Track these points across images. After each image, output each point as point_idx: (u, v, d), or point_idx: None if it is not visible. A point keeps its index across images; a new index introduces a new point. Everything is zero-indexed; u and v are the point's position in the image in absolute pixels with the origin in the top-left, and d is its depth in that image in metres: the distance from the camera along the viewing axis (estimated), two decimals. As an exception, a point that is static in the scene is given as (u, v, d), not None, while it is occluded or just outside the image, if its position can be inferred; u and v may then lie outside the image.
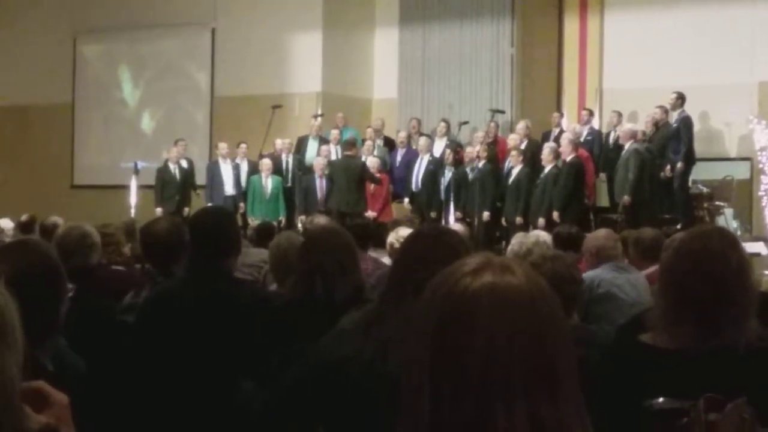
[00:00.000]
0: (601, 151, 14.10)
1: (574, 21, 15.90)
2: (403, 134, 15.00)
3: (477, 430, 1.41)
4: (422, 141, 14.45)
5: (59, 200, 16.62)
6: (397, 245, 6.23)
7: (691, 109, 13.35)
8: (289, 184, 14.67)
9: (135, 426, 3.73)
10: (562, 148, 12.86)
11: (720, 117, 14.56)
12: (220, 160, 15.05)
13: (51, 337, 2.86)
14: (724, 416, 2.28)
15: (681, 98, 13.26)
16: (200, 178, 15.37)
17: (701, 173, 13.79)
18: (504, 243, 11.88)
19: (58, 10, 18.43)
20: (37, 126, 18.73)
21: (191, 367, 3.77)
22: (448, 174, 13.83)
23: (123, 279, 5.03)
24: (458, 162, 13.96)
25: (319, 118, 15.29)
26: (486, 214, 13.22)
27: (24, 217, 10.79)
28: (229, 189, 14.83)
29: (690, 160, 13.11)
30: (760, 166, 13.58)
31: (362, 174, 13.57)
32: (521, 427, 1.40)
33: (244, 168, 15.01)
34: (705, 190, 13.63)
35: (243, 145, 15.06)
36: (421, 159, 14.30)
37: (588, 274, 5.81)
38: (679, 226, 11.40)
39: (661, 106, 13.39)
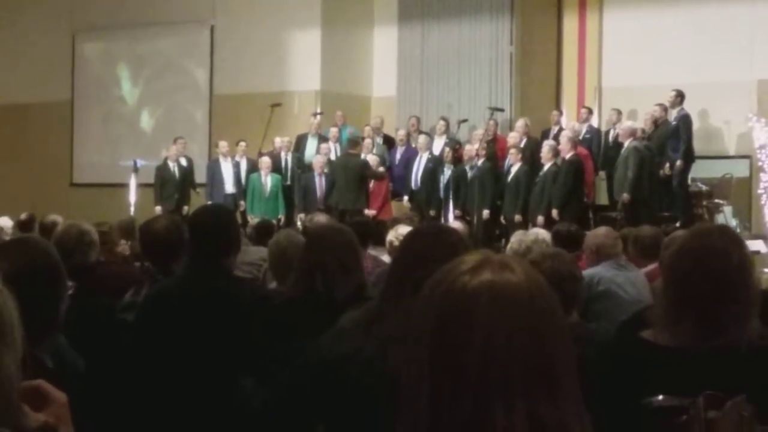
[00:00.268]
0: (600, 149, 14.11)
1: (573, 19, 15.89)
2: (402, 132, 15.00)
3: (476, 428, 1.40)
4: (421, 139, 14.45)
5: (58, 198, 16.62)
6: (396, 243, 6.23)
7: (690, 107, 13.36)
8: (289, 183, 14.67)
9: (134, 424, 3.73)
10: (561, 146, 12.87)
11: (719, 115, 14.56)
12: (221, 159, 15.05)
13: (51, 335, 2.86)
14: (724, 414, 2.28)
15: (680, 96, 13.27)
16: (199, 177, 15.37)
17: (700, 171, 13.79)
18: (503, 241, 11.89)
19: (58, 8, 18.42)
20: (36, 124, 18.72)
21: (191, 365, 3.77)
22: (447, 172, 13.83)
23: (122, 277, 5.03)
24: (457, 160, 13.97)
25: (319, 116, 15.30)
26: (486, 212, 13.22)
27: (23, 216, 10.77)
28: (230, 187, 14.84)
29: (689, 158, 13.12)
30: (759, 164, 13.58)
31: (363, 172, 13.56)
32: (520, 426, 1.40)
33: (244, 166, 15.01)
34: (704, 188, 13.62)
35: (242, 143, 15.06)
36: (421, 157, 14.30)
37: (587, 272, 5.81)
38: (678, 224, 11.42)
39: (660, 104, 13.40)
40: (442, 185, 13.86)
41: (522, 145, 13.68)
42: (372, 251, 6.91)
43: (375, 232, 7.56)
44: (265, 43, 16.56)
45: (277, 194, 14.52)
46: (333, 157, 14.53)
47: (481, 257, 1.51)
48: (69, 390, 1.75)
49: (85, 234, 5.02)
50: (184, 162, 15.29)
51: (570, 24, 15.93)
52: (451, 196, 13.66)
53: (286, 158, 14.88)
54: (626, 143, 12.78)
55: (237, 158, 15.07)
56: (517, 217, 12.90)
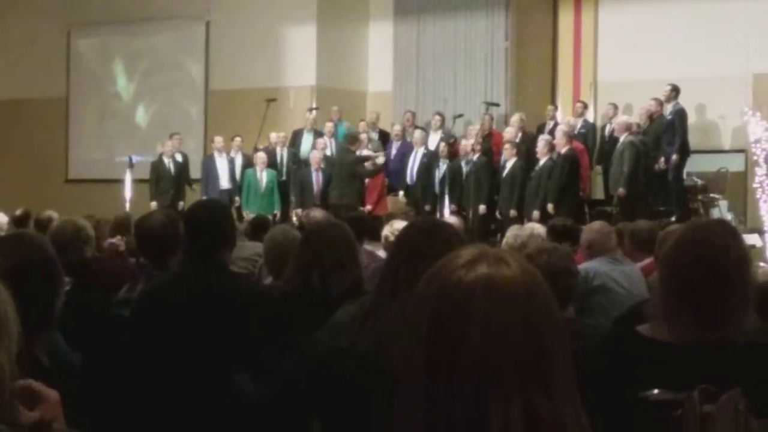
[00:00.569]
0: (595, 143, 14.13)
1: (569, 14, 15.89)
2: (397, 127, 15.00)
3: (472, 422, 1.40)
4: (417, 134, 14.45)
5: (54, 194, 16.60)
6: (392, 238, 6.24)
7: (685, 101, 13.36)
8: (284, 178, 14.67)
9: (131, 419, 3.73)
10: (556, 140, 12.87)
11: (714, 109, 14.58)
12: (216, 154, 15.04)
13: (46, 331, 2.85)
14: (719, 407, 2.29)
15: (675, 90, 13.27)
16: (195, 172, 15.36)
17: (696, 165, 13.80)
18: (499, 236, 11.89)
19: (53, 3, 18.39)
20: (31, 120, 18.69)
21: (187, 360, 3.77)
22: (442, 167, 13.83)
23: (118, 273, 5.03)
24: (453, 155, 13.98)
25: (314, 112, 15.30)
26: (482, 207, 13.23)
27: (18, 212, 10.75)
28: (225, 183, 14.83)
29: (684, 152, 13.13)
30: (755, 158, 13.58)
31: (353, 168, 13.62)
32: (516, 420, 1.40)
33: (239, 162, 15.00)
34: (699, 182, 13.63)
35: (237, 139, 15.06)
36: (416, 152, 14.30)
37: (583, 267, 5.81)
38: (673, 219, 11.43)
39: (655, 99, 13.41)
40: (437, 180, 13.86)
41: (517, 140, 13.68)
42: (368, 246, 6.90)
43: (371, 227, 7.56)
44: (260, 38, 16.54)
45: (273, 190, 14.51)
46: (329, 152, 14.53)
47: (476, 251, 1.51)
48: (64, 386, 1.75)
49: (81, 230, 5.02)
50: (179, 158, 15.27)
51: (565, 19, 15.94)
52: (446, 191, 13.66)
53: (282, 153, 14.88)
54: (622, 138, 12.79)
55: (232, 154, 15.06)
56: (513, 212, 12.90)
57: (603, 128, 14.23)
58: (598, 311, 5.61)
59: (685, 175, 13.42)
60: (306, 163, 14.54)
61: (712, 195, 13.50)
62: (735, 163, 14.28)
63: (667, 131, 13.10)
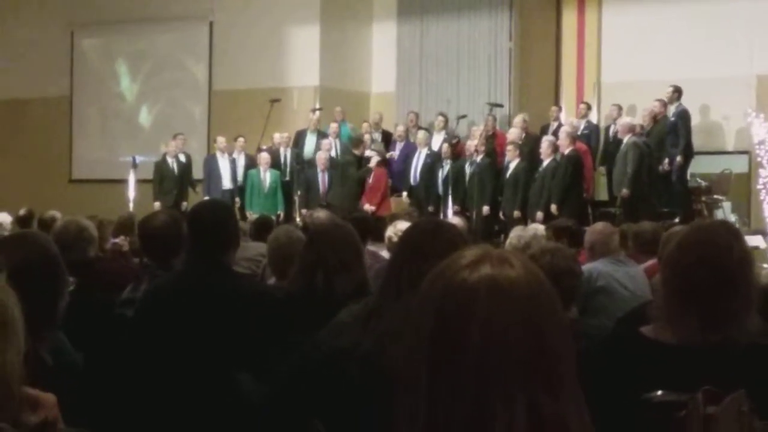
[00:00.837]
0: (598, 144, 14.13)
1: (572, 15, 15.88)
2: (400, 128, 15.01)
3: (475, 422, 1.40)
4: (420, 135, 14.46)
5: (57, 194, 16.61)
6: (395, 239, 6.23)
7: (689, 102, 13.35)
8: (288, 178, 14.67)
9: (134, 419, 3.74)
10: (560, 141, 12.87)
11: (718, 110, 14.56)
12: (218, 154, 15.04)
13: (50, 330, 2.85)
14: (723, 409, 2.28)
15: (678, 92, 13.27)
16: (198, 173, 15.36)
17: (699, 167, 13.79)
18: (502, 237, 11.89)
19: (56, 3, 18.41)
20: (34, 120, 18.70)
21: (190, 360, 3.77)
22: (446, 168, 13.83)
23: (121, 273, 5.03)
24: (456, 156, 13.98)
25: (318, 112, 15.29)
26: (485, 208, 13.23)
27: (22, 212, 10.77)
28: (227, 183, 14.83)
29: (688, 153, 13.13)
30: (759, 159, 13.58)
31: (350, 168, 13.74)
32: (519, 420, 1.40)
33: (241, 162, 15.00)
34: (703, 183, 13.63)
35: (240, 139, 15.06)
36: (419, 153, 14.31)
37: (586, 267, 5.81)
38: (677, 220, 11.41)
39: (659, 100, 13.39)
40: (440, 181, 13.87)
41: (520, 141, 13.68)
42: (371, 247, 6.90)
43: (374, 228, 7.56)
44: (263, 38, 16.55)
45: (276, 190, 14.51)
46: (334, 153, 14.57)
47: (480, 252, 1.51)
48: (67, 386, 1.76)
49: (84, 230, 5.02)
50: (182, 158, 15.28)
51: (569, 19, 15.93)
52: (449, 192, 13.66)
53: (285, 154, 14.88)
54: (625, 139, 12.78)
55: (235, 154, 15.06)
56: (516, 213, 12.90)
57: (607, 129, 14.23)
58: (601, 312, 5.62)
59: (688, 177, 13.41)
60: (310, 163, 14.55)
61: (715, 196, 13.49)
62: (739, 165, 14.28)
63: (671, 132, 13.10)
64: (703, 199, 13.36)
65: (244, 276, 5.25)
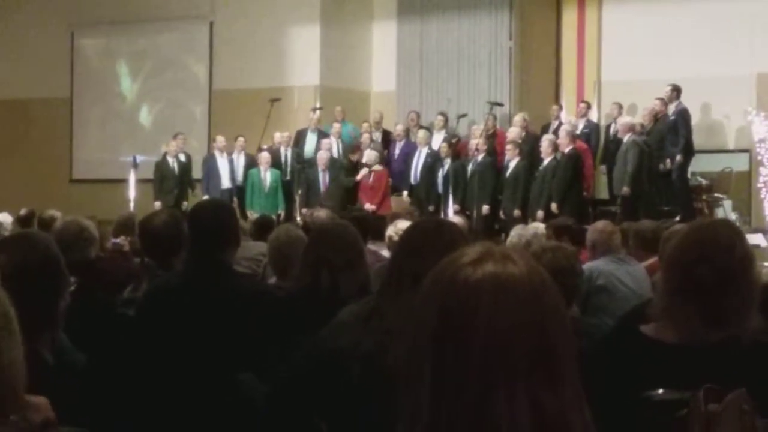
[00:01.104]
0: (599, 143, 14.12)
1: (572, 13, 15.88)
2: (400, 127, 15.01)
3: (478, 418, 1.40)
4: (421, 134, 14.47)
5: (58, 194, 16.62)
6: (396, 238, 6.23)
7: (689, 101, 13.35)
8: (288, 178, 14.67)
9: (135, 419, 3.73)
10: (560, 140, 12.88)
11: (719, 109, 14.56)
12: (217, 154, 15.04)
13: (51, 330, 2.85)
14: (724, 407, 2.28)
15: (676, 90, 13.26)
16: (198, 173, 15.35)
17: (700, 165, 13.80)
18: (503, 236, 11.89)
19: (56, 3, 18.39)
20: (35, 120, 18.70)
21: (191, 360, 3.77)
22: (446, 167, 13.83)
23: (122, 273, 5.03)
24: (456, 155, 13.98)
25: (318, 112, 15.29)
26: (485, 207, 13.24)
27: (23, 212, 10.76)
28: (226, 182, 14.83)
29: (688, 152, 13.12)
30: (759, 158, 13.58)
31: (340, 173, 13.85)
32: (522, 416, 1.40)
33: (241, 162, 15.00)
34: (704, 182, 13.63)
35: (241, 139, 15.05)
36: (420, 152, 14.31)
37: (587, 266, 5.81)
38: (677, 218, 11.41)
39: (660, 98, 13.38)
40: (440, 180, 13.87)
41: (520, 139, 13.68)
42: (372, 246, 6.90)
43: (374, 227, 7.56)
44: (264, 38, 16.55)
45: (277, 189, 14.52)
46: (335, 152, 14.58)
47: (483, 249, 1.51)
48: (69, 385, 1.76)
49: (85, 230, 5.02)
50: (183, 158, 15.27)
51: (569, 18, 15.92)
52: (450, 191, 13.67)
53: (286, 153, 14.88)
54: (625, 138, 12.78)
55: (234, 154, 15.06)
56: (516, 212, 12.90)
57: (607, 128, 14.22)
58: (602, 310, 5.62)
59: (689, 175, 13.41)
60: (310, 163, 14.55)
61: (716, 195, 13.50)
62: (739, 163, 14.28)
63: (671, 131, 13.09)
64: (704, 197, 13.37)
65: (244, 275, 5.25)
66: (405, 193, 14.36)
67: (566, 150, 12.74)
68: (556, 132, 13.49)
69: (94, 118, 18.63)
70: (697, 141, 13.40)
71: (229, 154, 15.04)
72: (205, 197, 13.19)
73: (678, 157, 12.93)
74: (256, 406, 3.43)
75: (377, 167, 14.00)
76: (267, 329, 3.80)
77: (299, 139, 15.21)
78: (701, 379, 2.33)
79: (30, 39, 18.39)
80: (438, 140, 14.49)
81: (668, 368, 2.48)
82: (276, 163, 14.60)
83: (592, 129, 14.28)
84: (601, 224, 6.76)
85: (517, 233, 7.30)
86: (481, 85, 15.66)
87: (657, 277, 4.15)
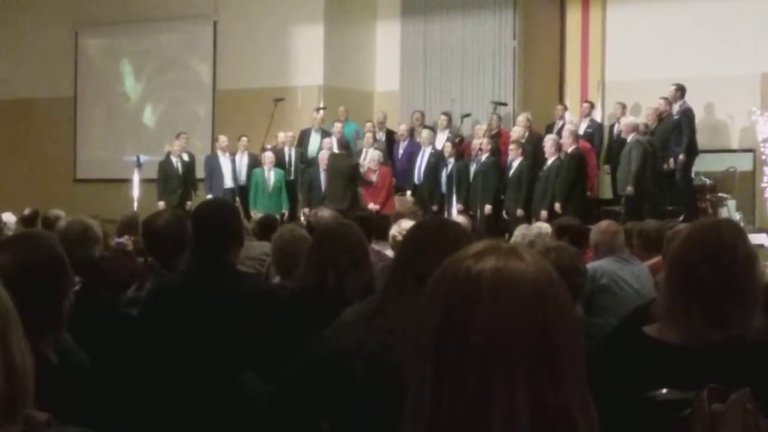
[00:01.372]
0: (602, 143, 14.12)
1: (576, 13, 15.88)
2: (403, 127, 15.00)
3: (478, 413, 1.40)
4: (425, 133, 14.46)
5: (62, 194, 16.63)
6: (399, 238, 6.23)
7: (693, 100, 13.33)
8: (292, 177, 14.68)
9: (139, 418, 3.74)
10: (563, 140, 12.87)
11: (723, 108, 14.54)
12: (219, 153, 15.04)
13: (55, 329, 2.85)
14: (728, 407, 2.28)
15: (680, 90, 13.24)
16: (201, 172, 15.35)
17: (704, 165, 13.78)
18: (507, 235, 11.88)
19: (60, 3, 18.41)
20: (39, 120, 18.72)
21: (194, 360, 3.77)
22: (449, 166, 13.83)
23: (126, 272, 5.04)
24: (459, 155, 13.98)
25: (322, 111, 15.29)
26: (487, 207, 13.24)
27: (27, 211, 10.79)
28: (229, 182, 14.83)
29: (692, 151, 13.10)
30: (763, 157, 13.57)
31: (351, 174, 13.66)
32: (521, 411, 1.40)
33: (244, 161, 15.00)
34: (708, 181, 13.62)
35: (244, 139, 15.05)
36: (424, 151, 14.31)
37: (590, 266, 5.80)
38: (681, 218, 11.41)
39: (664, 98, 13.38)
40: (443, 180, 13.87)
41: (524, 139, 13.68)
42: (375, 246, 6.90)
43: (378, 227, 7.55)
44: (267, 38, 16.55)
45: (281, 189, 14.52)
46: (335, 151, 14.57)
47: (487, 244, 1.50)
48: (72, 385, 1.76)
49: (89, 229, 5.03)
50: (186, 157, 15.27)
51: (573, 18, 15.92)
52: (453, 191, 13.66)
53: (290, 153, 14.89)
54: (629, 138, 12.77)
55: (238, 153, 15.06)
56: (519, 212, 12.90)
57: (611, 128, 14.21)
58: (605, 310, 5.62)
59: (693, 175, 13.40)
60: (313, 162, 14.54)
61: (720, 194, 13.49)
62: (743, 163, 14.26)
63: (675, 131, 13.08)
64: (708, 197, 13.36)
65: (248, 275, 5.25)
66: (408, 192, 14.35)
67: (570, 150, 12.73)
68: (560, 132, 13.48)
69: (98, 118, 18.65)
70: (701, 141, 13.38)
71: (232, 153, 15.03)
72: (209, 197, 13.20)
73: (682, 157, 12.91)
74: (257, 405, 3.43)
75: (373, 164, 13.98)
76: (270, 329, 3.80)
77: (303, 139, 15.21)
78: (704, 379, 2.33)
79: (33, 39, 18.42)
80: (441, 140, 14.48)
81: (671, 368, 2.48)
82: (280, 162, 14.60)
83: (596, 129, 14.27)
84: (604, 224, 6.75)
85: (520, 233, 7.30)
86: (485, 84, 15.66)
87: (660, 277, 4.15)
